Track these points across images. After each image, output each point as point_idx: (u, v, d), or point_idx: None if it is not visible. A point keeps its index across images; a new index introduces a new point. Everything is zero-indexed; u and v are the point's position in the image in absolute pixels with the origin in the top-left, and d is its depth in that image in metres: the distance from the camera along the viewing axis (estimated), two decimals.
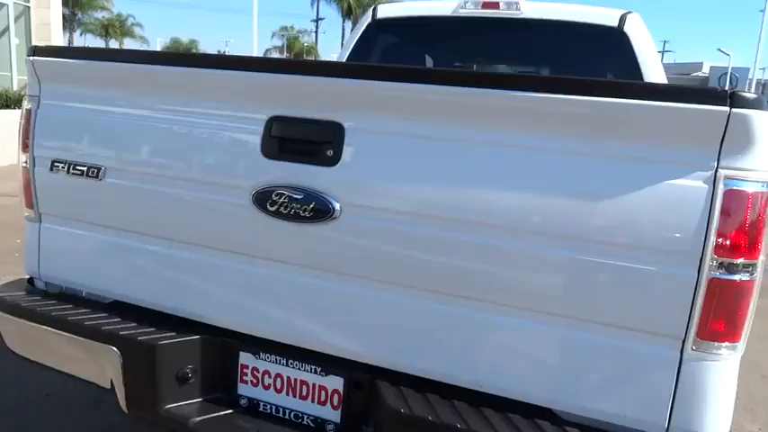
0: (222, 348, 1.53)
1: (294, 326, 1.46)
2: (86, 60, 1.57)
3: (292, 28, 49.89)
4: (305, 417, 1.49)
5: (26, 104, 1.68)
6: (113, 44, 39.77)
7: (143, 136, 1.54)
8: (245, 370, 1.54)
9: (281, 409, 1.52)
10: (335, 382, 1.45)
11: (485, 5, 3.04)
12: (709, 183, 1.10)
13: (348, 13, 35.45)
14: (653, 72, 2.75)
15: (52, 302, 1.66)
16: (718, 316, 1.15)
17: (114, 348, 1.49)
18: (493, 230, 1.23)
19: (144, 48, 40.75)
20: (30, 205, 1.72)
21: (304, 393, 1.49)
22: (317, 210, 1.34)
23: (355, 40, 3.27)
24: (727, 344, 1.18)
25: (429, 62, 3.24)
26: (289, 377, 1.49)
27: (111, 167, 1.56)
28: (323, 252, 1.39)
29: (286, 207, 1.36)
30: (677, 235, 1.12)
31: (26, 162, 1.68)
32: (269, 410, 1.53)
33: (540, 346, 1.26)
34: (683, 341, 1.16)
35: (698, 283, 1.12)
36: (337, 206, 1.34)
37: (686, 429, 1.18)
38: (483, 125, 1.24)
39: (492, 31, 3.11)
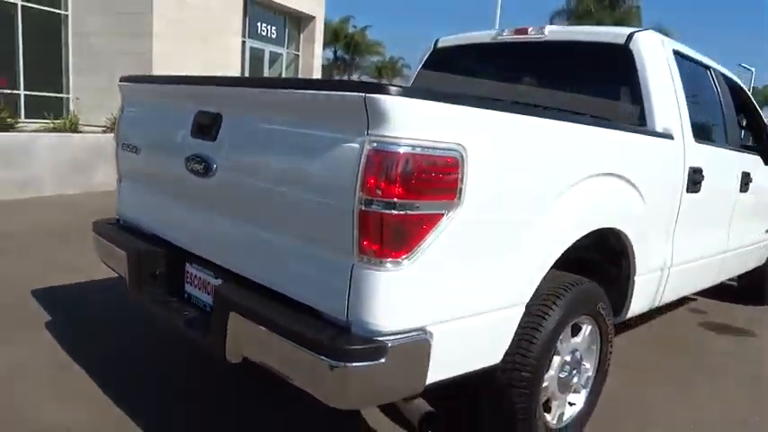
0: (176, 258, 2.41)
1: (202, 244, 2.28)
2: (133, 83, 2.65)
3: None
4: (207, 306, 2.29)
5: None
6: None
7: (149, 126, 2.56)
8: (188, 275, 2.40)
9: (199, 301, 2.34)
10: (218, 282, 2.22)
11: (516, 32, 3.49)
12: (361, 144, 1.62)
13: None
14: (656, 86, 2.89)
15: (117, 231, 2.75)
16: (376, 238, 1.63)
17: (124, 252, 2.50)
18: (270, 180, 1.90)
19: None
20: (118, 171, 2.86)
21: (208, 290, 2.29)
22: (205, 168, 2.15)
23: (422, 64, 3.97)
24: (390, 260, 1.64)
25: (477, 80, 3.75)
26: (203, 279, 2.31)
27: (139, 146, 2.60)
28: (208, 196, 2.19)
29: (194, 167, 2.20)
30: (342, 179, 1.65)
31: (115, 146, 2.83)
32: (195, 302, 2.36)
33: (283, 255, 1.87)
34: (352, 254, 1.66)
35: (354, 213, 1.63)
36: (214, 166, 2.13)
37: (359, 320, 1.67)
38: (263, 113, 1.93)
39: (522, 53, 3.52)
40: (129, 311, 3.48)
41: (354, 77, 42.63)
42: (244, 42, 14.44)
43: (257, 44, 15.01)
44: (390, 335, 1.67)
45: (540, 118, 2.01)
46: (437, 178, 1.67)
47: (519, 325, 2.14)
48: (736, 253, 3.92)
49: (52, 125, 8.61)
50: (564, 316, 2.26)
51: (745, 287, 5.02)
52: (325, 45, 41.47)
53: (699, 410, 3.01)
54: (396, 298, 1.67)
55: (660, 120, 2.86)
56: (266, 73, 15.57)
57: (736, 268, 4.12)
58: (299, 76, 16.41)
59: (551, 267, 2.15)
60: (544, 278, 2.21)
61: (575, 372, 2.48)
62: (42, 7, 12.02)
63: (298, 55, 16.45)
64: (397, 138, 1.60)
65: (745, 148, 4.08)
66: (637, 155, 2.59)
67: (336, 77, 38.49)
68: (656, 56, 2.96)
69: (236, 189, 2.08)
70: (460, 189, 1.72)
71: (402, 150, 1.60)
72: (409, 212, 1.64)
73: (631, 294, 2.76)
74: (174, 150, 2.34)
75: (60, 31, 12.35)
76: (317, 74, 16.78)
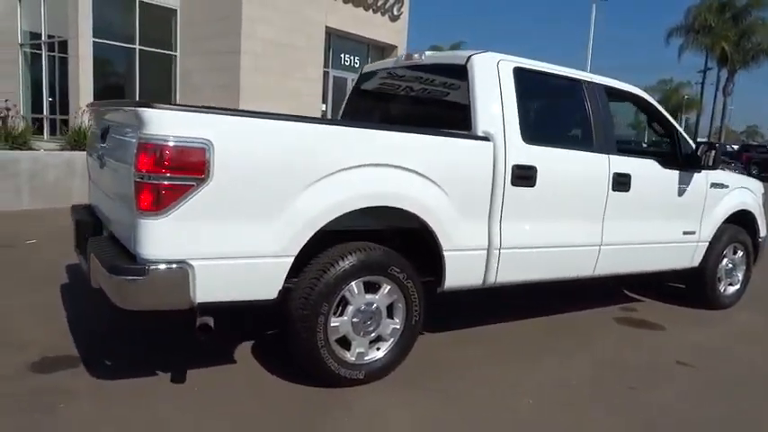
0: (100, 226, 3.48)
1: (104, 215, 3.33)
2: (90, 107, 3.81)
3: (671, 80, 47.65)
4: None
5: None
6: None
7: (93, 136, 3.68)
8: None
9: None
10: None
11: (406, 58, 4.27)
12: (137, 139, 2.55)
13: (723, 61, 31.87)
14: (481, 98, 3.53)
15: (82, 209, 3.89)
16: (144, 199, 2.53)
17: (73, 219, 3.63)
18: (114, 166, 2.90)
19: None
20: (87, 170, 4.03)
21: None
22: (101, 162, 3.20)
23: (353, 86, 4.83)
24: (153, 212, 2.53)
25: (382, 94, 4.59)
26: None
27: (90, 151, 3.74)
28: (104, 181, 3.24)
29: (99, 162, 3.26)
30: (129, 161, 2.58)
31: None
32: None
33: (121, 215, 2.84)
34: (135, 210, 2.58)
35: (133, 183, 2.55)
36: (104, 160, 3.17)
37: (137, 252, 2.58)
38: (120, 121, 2.94)
39: (408, 74, 4.28)
40: None
41: None
42: (326, 72, 15.92)
43: (340, 73, 16.45)
44: (153, 262, 2.57)
45: (283, 121, 2.81)
46: (186, 161, 2.55)
47: (307, 276, 2.94)
48: (626, 249, 4.28)
49: None
50: (346, 273, 3.01)
51: (690, 289, 5.21)
52: None
53: (518, 378, 3.52)
54: (157, 238, 2.57)
55: (482, 125, 3.49)
56: None
57: (630, 264, 4.42)
58: None
59: (353, 236, 3.08)
60: (340, 241, 3.01)
61: (371, 321, 3.18)
62: (156, 50, 14.29)
63: None
64: (155, 135, 2.51)
65: (635, 153, 4.45)
66: (429, 151, 3.24)
67: None
68: (486, 73, 3.58)
69: (109, 174, 3.11)
70: (208, 169, 2.58)
71: (159, 143, 2.51)
72: (164, 182, 2.53)
73: (444, 267, 3.38)
74: (96, 151, 3.43)
75: (170, 69, 14.57)
76: None
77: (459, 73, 3.67)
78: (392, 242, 3.32)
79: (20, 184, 7.75)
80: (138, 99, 13.82)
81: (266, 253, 2.81)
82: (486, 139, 3.46)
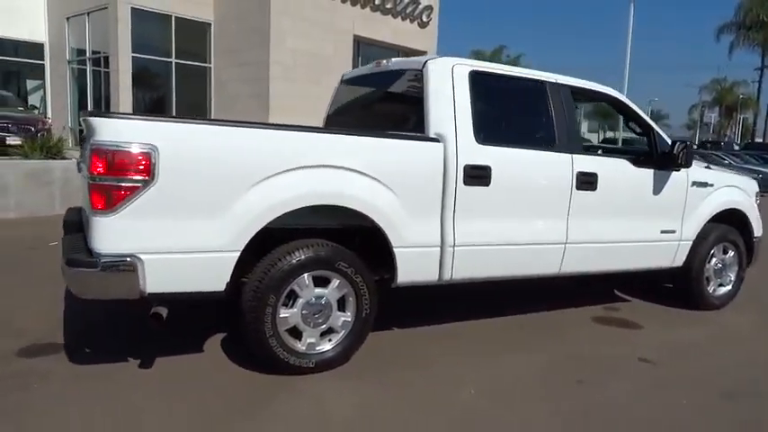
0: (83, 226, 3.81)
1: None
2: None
3: (725, 80, 45.69)
4: None
5: None
6: None
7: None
8: None
9: None
10: None
11: (376, 65, 4.46)
12: (90, 144, 2.83)
13: None
14: (434, 101, 3.70)
15: (74, 211, 4.25)
16: (95, 199, 2.82)
17: (63, 220, 3.97)
18: (85, 169, 3.20)
19: None
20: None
21: None
22: (79, 168, 3.53)
23: (336, 90, 5.06)
24: (103, 211, 2.82)
25: (358, 99, 4.82)
26: None
27: (78, 159, 4.09)
28: (83, 185, 3.56)
29: (79, 168, 3.59)
30: (87, 166, 2.88)
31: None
32: None
33: (87, 216, 3.13)
34: (91, 209, 2.86)
35: (87, 185, 2.84)
36: (81, 165, 3.49)
37: (92, 246, 2.87)
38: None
39: (379, 78, 4.47)
40: None
41: None
42: None
43: None
44: (104, 256, 2.85)
45: (223, 126, 3.05)
46: (132, 164, 2.82)
47: (257, 271, 3.17)
48: (595, 247, 4.31)
49: None
50: (293, 267, 3.23)
51: (677, 289, 5.17)
52: None
53: (472, 372, 3.63)
54: (107, 234, 2.85)
55: (434, 127, 3.65)
56: None
57: (601, 263, 4.44)
58: None
59: (303, 234, 3.31)
60: (292, 239, 3.24)
61: (320, 313, 3.37)
62: (192, 63, 14.94)
63: None
64: (105, 141, 2.80)
65: (605, 151, 4.48)
66: (374, 152, 3.41)
67: None
68: (439, 77, 3.73)
69: (82, 178, 3.43)
70: (153, 171, 2.85)
71: (108, 148, 2.80)
72: (113, 184, 2.82)
73: (396, 263, 3.54)
74: (81, 159, 3.77)
75: (205, 80, 15.19)
76: None
77: (418, 77, 3.84)
78: (351, 240, 3.51)
79: (53, 190, 8.33)
80: (174, 110, 14.52)
81: (212, 248, 3.05)
82: (435, 140, 3.61)
